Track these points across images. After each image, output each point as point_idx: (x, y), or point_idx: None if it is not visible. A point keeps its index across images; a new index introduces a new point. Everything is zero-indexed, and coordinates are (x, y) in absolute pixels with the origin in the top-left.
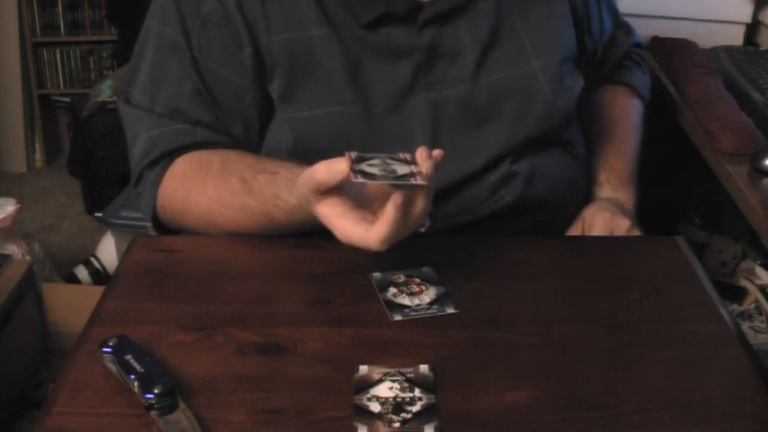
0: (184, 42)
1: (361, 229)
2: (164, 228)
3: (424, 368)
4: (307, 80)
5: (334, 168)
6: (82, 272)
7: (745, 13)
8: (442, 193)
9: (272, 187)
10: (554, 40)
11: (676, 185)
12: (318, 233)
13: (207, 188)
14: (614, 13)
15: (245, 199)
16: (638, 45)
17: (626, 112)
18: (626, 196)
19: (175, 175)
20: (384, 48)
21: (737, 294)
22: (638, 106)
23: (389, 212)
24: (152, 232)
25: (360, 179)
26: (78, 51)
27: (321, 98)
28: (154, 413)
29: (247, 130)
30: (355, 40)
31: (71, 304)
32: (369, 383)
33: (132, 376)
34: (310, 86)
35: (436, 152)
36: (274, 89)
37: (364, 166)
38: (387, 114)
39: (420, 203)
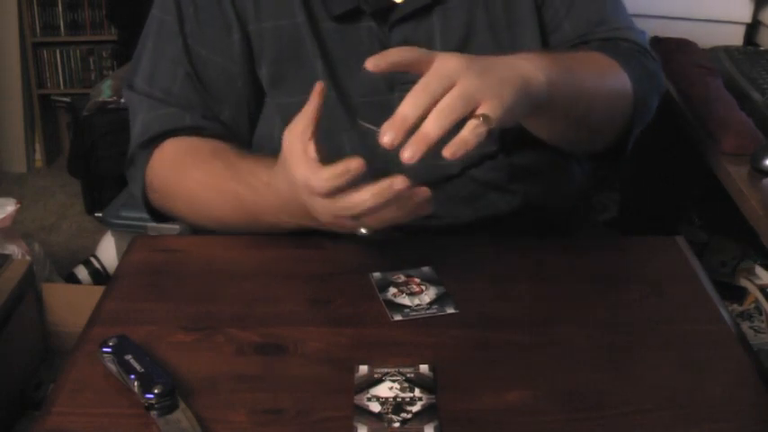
0: (178, 28)
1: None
2: (157, 213)
3: (424, 368)
4: (293, 66)
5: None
6: (82, 272)
7: (745, 13)
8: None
9: (252, 165)
10: (535, 35)
11: (676, 185)
12: (297, 234)
13: (194, 171)
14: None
15: (224, 181)
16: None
17: (596, 58)
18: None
19: (165, 158)
20: (356, 43)
21: (737, 294)
22: (624, 79)
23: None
24: (152, 232)
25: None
26: (78, 51)
27: (308, 85)
28: (154, 413)
29: (237, 117)
30: (329, 30)
31: (71, 304)
32: (369, 383)
33: (132, 376)
34: (297, 73)
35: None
36: (263, 75)
37: None
38: (367, 108)
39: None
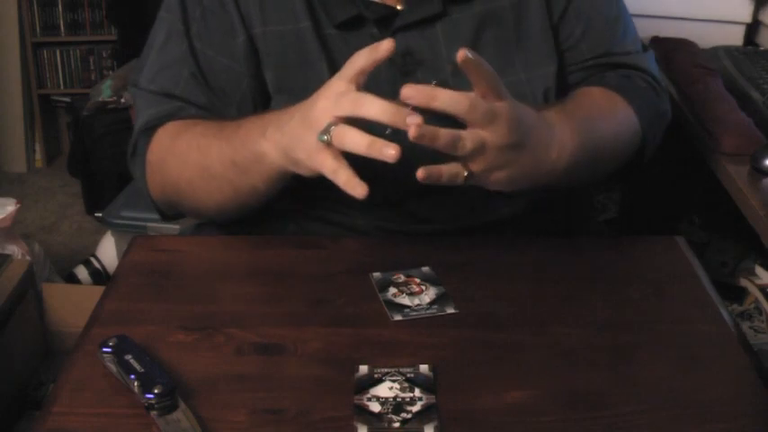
0: (184, 30)
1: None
2: (162, 209)
3: (424, 368)
4: (299, 71)
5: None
6: (82, 272)
7: (745, 13)
8: (426, 193)
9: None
10: (549, 52)
11: (676, 185)
12: (297, 233)
13: (190, 136)
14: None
15: (225, 127)
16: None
17: (612, 107)
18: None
19: (165, 131)
20: (360, 49)
21: (737, 294)
22: (636, 128)
23: None
24: (152, 232)
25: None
26: (78, 51)
27: (313, 90)
28: (154, 413)
29: (242, 117)
30: (333, 36)
31: (71, 304)
32: (369, 383)
33: (132, 376)
34: (302, 77)
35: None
36: (269, 79)
37: None
38: None
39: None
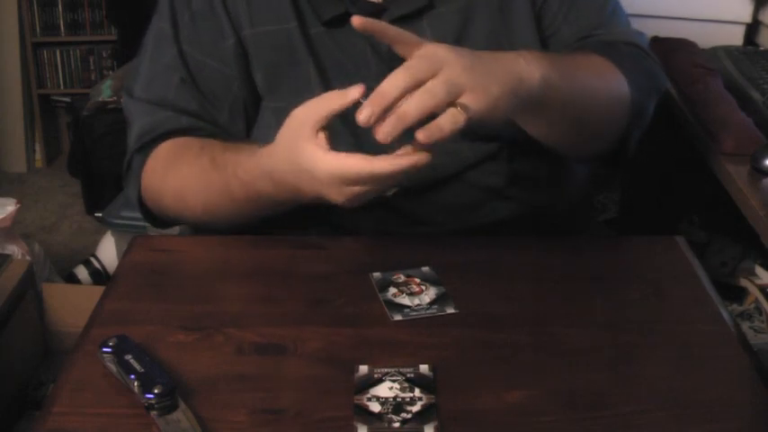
0: (173, 35)
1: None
2: (152, 216)
3: (424, 368)
4: (287, 71)
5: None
6: (82, 272)
7: (745, 13)
8: (424, 191)
9: (234, 156)
10: (534, 42)
11: (676, 185)
12: (297, 233)
13: (183, 168)
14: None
15: (211, 174)
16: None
17: (592, 60)
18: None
19: (158, 157)
20: (347, 47)
21: (737, 294)
22: (621, 82)
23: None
24: (152, 232)
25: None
26: (78, 51)
27: (302, 90)
28: (154, 413)
29: (233, 119)
30: (321, 35)
31: (71, 304)
32: (369, 383)
33: (132, 376)
34: (291, 77)
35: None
36: (259, 80)
37: None
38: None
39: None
